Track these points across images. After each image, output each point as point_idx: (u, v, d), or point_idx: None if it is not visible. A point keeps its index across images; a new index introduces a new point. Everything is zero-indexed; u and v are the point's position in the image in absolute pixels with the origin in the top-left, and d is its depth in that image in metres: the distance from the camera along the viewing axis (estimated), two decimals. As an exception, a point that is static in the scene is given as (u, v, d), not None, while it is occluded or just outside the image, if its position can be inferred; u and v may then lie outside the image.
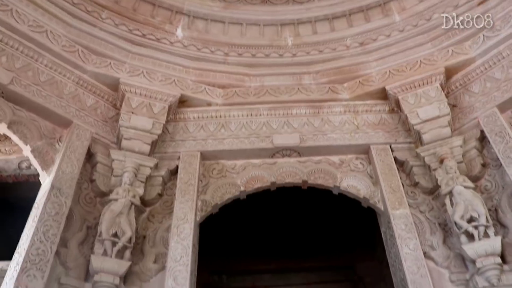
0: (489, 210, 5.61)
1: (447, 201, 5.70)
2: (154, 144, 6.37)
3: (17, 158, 6.87)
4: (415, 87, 6.51)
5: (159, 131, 6.38)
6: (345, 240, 10.16)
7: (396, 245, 5.61)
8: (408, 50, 6.83)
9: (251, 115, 6.79)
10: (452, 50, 6.56)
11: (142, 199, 5.98)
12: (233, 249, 10.12)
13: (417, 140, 6.39)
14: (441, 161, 5.96)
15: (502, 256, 5.30)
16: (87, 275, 5.41)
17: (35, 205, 5.38)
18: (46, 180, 5.60)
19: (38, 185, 5.75)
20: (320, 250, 10.24)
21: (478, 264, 5.22)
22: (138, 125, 6.28)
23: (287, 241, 10.13)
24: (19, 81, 5.71)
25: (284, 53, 7.24)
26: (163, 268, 5.57)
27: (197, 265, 5.90)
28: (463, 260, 5.54)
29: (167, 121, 6.58)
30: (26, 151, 5.74)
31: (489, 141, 5.93)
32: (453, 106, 6.42)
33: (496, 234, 5.36)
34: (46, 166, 5.69)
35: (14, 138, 5.70)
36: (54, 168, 5.58)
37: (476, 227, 5.38)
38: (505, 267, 5.28)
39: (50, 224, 5.10)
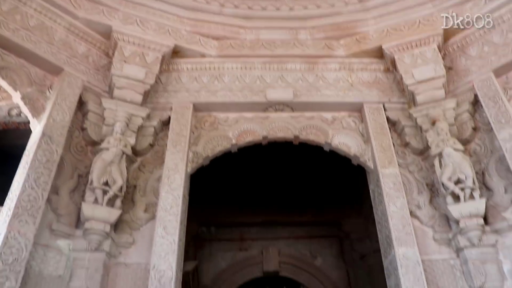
0: (477, 173, 5.70)
1: (436, 162, 5.77)
2: (146, 94, 6.31)
3: (7, 105, 6.75)
4: (412, 47, 6.44)
5: (152, 81, 6.31)
6: (332, 197, 10.31)
7: (383, 203, 5.72)
8: (408, 9, 6.70)
9: (245, 68, 6.71)
10: (452, 11, 6.45)
11: (133, 149, 5.99)
12: (222, 202, 10.26)
13: (411, 100, 6.39)
14: (433, 123, 5.98)
15: (485, 218, 5.44)
16: (78, 222, 5.50)
17: (26, 152, 5.35)
18: (36, 128, 5.55)
19: (28, 132, 5.70)
20: (308, 205, 10.41)
21: (461, 225, 5.35)
22: (131, 74, 6.19)
23: (276, 195, 10.28)
24: (7, 25, 5.56)
25: (281, 6, 7.08)
26: (153, 217, 5.65)
27: (187, 216, 5.97)
28: (447, 220, 5.67)
29: (160, 72, 6.49)
30: (16, 97, 5.65)
31: (481, 105, 5.95)
32: (448, 69, 6.38)
33: (481, 196, 5.48)
34: (36, 113, 5.63)
35: (3, 84, 5.60)
36: (45, 116, 5.52)
37: (462, 189, 5.48)
38: (487, 228, 5.43)
39: (41, 171, 5.10)
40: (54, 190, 5.36)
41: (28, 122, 5.76)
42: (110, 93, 6.24)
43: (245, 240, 10.48)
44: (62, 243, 5.42)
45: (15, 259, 4.60)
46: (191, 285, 7.33)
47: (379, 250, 8.39)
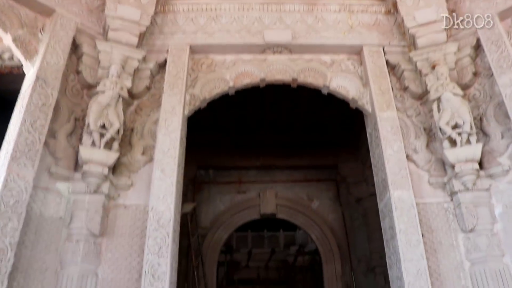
0: (474, 118, 5.70)
1: (435, 106, 5.74)
2: (142, 36, 6.18)
3: (-1, 49, 6.60)
4: (414, -12, 6.24)
5: (147, 23, 6.15)
6: (330, 141, 10.37)
7: (380, 146, 5.74)
8: None
9: (243, 9, 6.53)
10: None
11: (129, 92, 5.94)
12: (221, 145, 10.31)
13: (411, 44, 6.27)
14: (433, 67, 5.90)
15: (480, 163, 5.50)
16: (77, 165, 5.54)
17: (20, 96, 5.30)
18: (30, 71, 5.46)
19: (22, 77, 5.61)
20: (306, 150, 10.47)
21: (456, 169, 5.41)
22: (125, 15, 6.03)
23: (274, 139, 10.31)
24: (-7, -35, 5.35)
25: None
26: (151, 160, 5.70)
27: (185, 159, 6.01)
28: (443, 165, 5.72)
29: (156, 13, 6.32)
30: (7, 40, 5.52)
31: (483, 50, 5.84)
32: (451, 11, 6.21)
33: (477, 141, 5.50)
34: (29, 56, 5.51)
35: (-8, 25, 5.44)
36: (38, 59, 5.42)
37: (459, 134, 5.49)
38: (481, 172, 5.50)
39: (37, 115, 5.08)
40: (51, 134, 5.36)
41: (21, 66, 5.66)
42: (104, 35, 6.10)
43: (243, 183, 10.62)
44: (62, 185, 5.48)
45: (16, 201, 4.66)
46: (190, 227, 7.49)
47: (375, 194, 8.52)
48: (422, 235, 5.27)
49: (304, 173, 10.74)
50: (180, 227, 5.72)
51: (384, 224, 5.78)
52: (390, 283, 5.54)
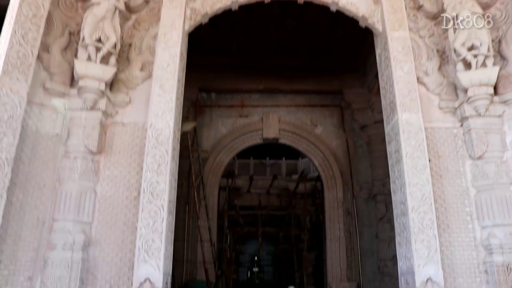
0: (493, 40, 5.39)
1: (450, 26, 5.39)
2: None
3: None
4: None
5: None
6: (335, 66, 10.03)
7: (390, 67, 5.47)
8: None
9: None
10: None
11: (126, 5, 5.60)
12: (224, 67, 10.00)
13: (429, -43, 5.81)
14: (451, -18, 5.49)
15: (495, 88, 5.26)
16: (73, 81, 5.35)
17: (10, 7, 4.96)
18: (19, -21, 5.09)
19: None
20: (310, 74, 10.17)
21: (469, 93, 5.18)
22: None
23: (277, 62, 9.98)
24: None
25: None
26: (149, 76, 5.49)
27: (186, 81, 5.78)
28: (455, 89, 5.48)
29: None
30: None
31: (509, -36, 5.41)
32: None
33: (494, 64, 5.21)
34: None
35: None
36: (27, -35, 5.03)
37: (475, 56, 5.20)
38: (495, 98, 5.27)
39: (28, 26, 4.80)
40: (45, 47, 5.12)
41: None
42: None
43: (246, 106, 10.41)
44: (57, 102, 5.31)
45: (10, 116, 4.51)
46: (190, 147, 7.36)
47: (380, 121, 8.38)
48: (429, 161, 5.14)
49: (308, 98, 10.48)
50: (181, 149, 5.61)
51: (390, 148, 5.61)
52: (393, 208, 5.47)
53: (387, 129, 5.75)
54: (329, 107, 10.47)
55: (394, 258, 9.32)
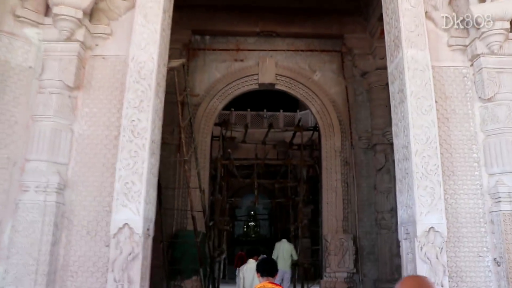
0: (510, -30, 4.85)
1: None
2: None
3: None
4: None
5: None
6: (336, 8, 9.43)
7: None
8: None
9: None
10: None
11: None
12: (217, 8, 9.39)
13: None
14: None
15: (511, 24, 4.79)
16: (47, 9, 4.88)
17: None
18: None
19: None
20: (309, 17, 9.57)
21: (482, 28, 4.72)
22: None
23: (275, 4, 9.36)
24: None
25: None
26: (133, 6, 5.02)
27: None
28: (466, 25, 4.98)
29: None
30: None
31: None
32: None
33: (511, -4, 4.71)
34: None
35: None
36: None
37: (490, -13, 4.69)
38: (511, 34, 4.79)
39: None
40: (15, -31, 4.60)
41: None
42: None
43: (241, 50, 9.84)
44: (30, 31, 4.85)
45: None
46: (177, 85, 6.87)
47: (382, 68, 8.02)
48: (435, 102, 4.72)
49: (307, 42, 9.91)
50: (172, 92, 5.17)
51: (393, 88, 5.18)
52: (395, 152, 5.09)
53: (390, 67, 5.30)
54: (329, 53, 9.92)
55: (392, 211, 9.18)
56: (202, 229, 8.09)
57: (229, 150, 12.46)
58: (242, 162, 13.52)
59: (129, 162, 4.41)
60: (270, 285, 2.95)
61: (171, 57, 9.36)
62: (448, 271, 4.33)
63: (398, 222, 4.89)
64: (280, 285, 3.11)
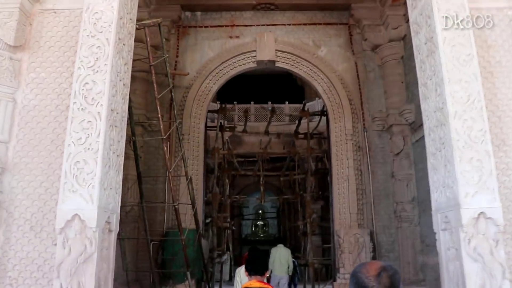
0: None
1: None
2: None
3: None
4: None
5: None
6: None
7: None
8: None
9: None
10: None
11: None
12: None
13: None
14: None
15: None
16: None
17: None
18: None
19: None
20: (313, -14, 8.53)
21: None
22: None
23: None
24: None
25: None
26: None
27: None
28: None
29: None
30: None
31: None
32: None
33: None
34: None
35: None
36: None
37: None
38: None
39: None
40: None
41: None
42: None
43: (237, 26, 8.76)
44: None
45: None
46: (148, 48, 5.80)
47: (396, 39, 7.11)
48: (475, 52, 3.67)
49: (309, 15, 8.82)
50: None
51: (418, 39, 4.14)
52: (424, 120, 4.03)
53: (413, 15, 4.30)
54: (335, 26, 8.82)
55: (413, 201, 8.06)
56: (188, 226, 7.06)
57: (227, 138, 11.35)
58: (243, 153, 12.45)
59: (81, 136, 3.39)
60: (258, 284, 2.52)
61: (157, 34, 8.39)
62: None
63: (433, 208, 3.81)
64: (269, 284, 2.62)
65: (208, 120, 12.31)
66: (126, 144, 5.58)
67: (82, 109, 3.45)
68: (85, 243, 3.18)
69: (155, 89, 5.61)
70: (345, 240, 7.91)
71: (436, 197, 3.74)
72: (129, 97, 5.54)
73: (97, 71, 3.55)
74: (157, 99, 5.66)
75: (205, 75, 8.46)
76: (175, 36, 8.72)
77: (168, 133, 6.46)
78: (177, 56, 8.59)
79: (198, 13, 8.85)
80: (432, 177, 3.83)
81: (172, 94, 6.55)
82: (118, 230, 3.70)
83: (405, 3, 8.09)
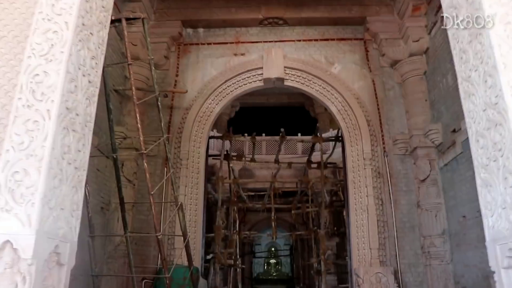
0: None
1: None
2: None
3: None
4: None
5: None
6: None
7: None
8: None
9: None
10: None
11: None
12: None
13: None
14: None
15: None
16: None
17: None
18: None
19: None
20: (323, -1, 7.89)
21: None
22: None
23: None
24: None
25: None
26: None
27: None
28: None
29: None
30: None
31: None
32: None
33: None
34: None
35: None
36: None
37: None
38: None
39: None
40: None
41: None
42: None
43: (242, 43, 8.07)
44: None
45: None
46: (126, 44, 4.99)
47: (417, 54, 6.40)
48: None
49: (321, 30, 8.11)
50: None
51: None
52: (468, 123, 3.17)
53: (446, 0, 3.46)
54: (349, 41, 8.08)
55: (444, 234, 6.99)
56: (179, 261, 6.15)
57: (231, 165, 10.47)
58: (251, 183, 11.56)
59: (24, 139, 2.61)
60: None
61: (156, 51, 7.73)
62: None
63: (488, 238, 2.88)
64: None
65: (215, 150, 11.62)
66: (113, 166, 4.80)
67: (28, 106, 2.68)
68: (16, 279, 2.33)
69: (131, 83, 4.78)
70: (365, 280, 6.89)
71: (492, 222, 2.83)
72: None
73: (51, 60, 2.80)
74: (135, 104, 4.83)
75: (206, 94, 7.71)
76: (175, 54, 8.04)
77: (151, 148, 5.61)
78: (177, 75, 7.90)
79: (201, 30, 8.20)
80: (484, 196, 2.93)
81: (161, 115, 5.72)
82: (73, 264, 2.85)
83: (426, 13, 7.49)
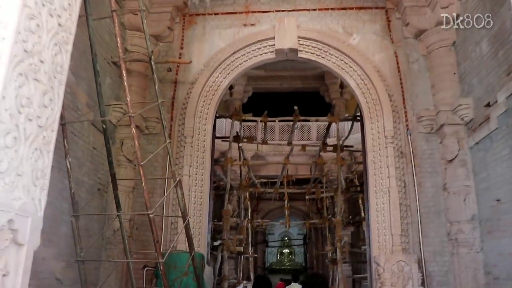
0: None
1: None
2: None
3: None
4: None
5: None
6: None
7: None
8: None
9: None
10: None
11: None
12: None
13: None
14: None
15: None
16: None
17: None
18: None
19: None
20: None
21: None
22: None
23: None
24: None
25: None
26: None
27: None
28: None
29: None
30: None
31: None
32: None
33: None
34: None
35: None
36: None
37: None
38: None
39: None
40: None
41: None
42: None
43: (253, 13, 7.47)
44: None
45: None
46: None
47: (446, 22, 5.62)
48: None
49: (339, -3, 7.51)
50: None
51: None
52: None
53: None
54: (369, 10, 7.40)
55: (474, 220, 6.11)
56: (199, 249, 5.63)
57: (240, 145, 9.88)
58: (263, 170, 11.00)
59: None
60: None
61: (159, 22, 7.19)
62: None
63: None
64: None
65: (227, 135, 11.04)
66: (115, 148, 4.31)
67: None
68: None
69: (117, 42, 4.20)
70: (386, 268, 6.32)
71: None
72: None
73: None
74: (121, 59, 4.25)
75: (213, 66, 7.13)
76: (179, 25, 7.49)
77: (143, 110, 5.02)
78: (181, 48, 7.35)
79: (208, -1, 7.60)
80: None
81: (155, 76, 5.09)
82: (38, 244, 2.32)
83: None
